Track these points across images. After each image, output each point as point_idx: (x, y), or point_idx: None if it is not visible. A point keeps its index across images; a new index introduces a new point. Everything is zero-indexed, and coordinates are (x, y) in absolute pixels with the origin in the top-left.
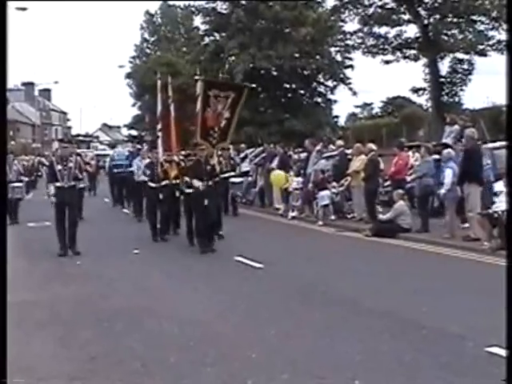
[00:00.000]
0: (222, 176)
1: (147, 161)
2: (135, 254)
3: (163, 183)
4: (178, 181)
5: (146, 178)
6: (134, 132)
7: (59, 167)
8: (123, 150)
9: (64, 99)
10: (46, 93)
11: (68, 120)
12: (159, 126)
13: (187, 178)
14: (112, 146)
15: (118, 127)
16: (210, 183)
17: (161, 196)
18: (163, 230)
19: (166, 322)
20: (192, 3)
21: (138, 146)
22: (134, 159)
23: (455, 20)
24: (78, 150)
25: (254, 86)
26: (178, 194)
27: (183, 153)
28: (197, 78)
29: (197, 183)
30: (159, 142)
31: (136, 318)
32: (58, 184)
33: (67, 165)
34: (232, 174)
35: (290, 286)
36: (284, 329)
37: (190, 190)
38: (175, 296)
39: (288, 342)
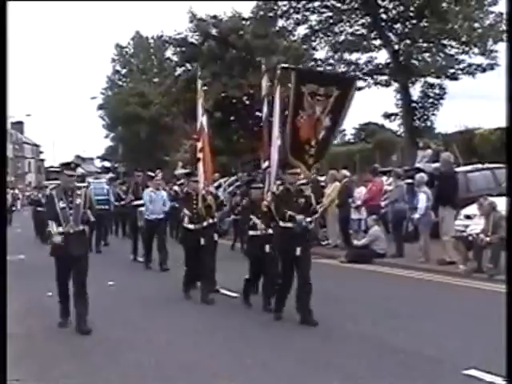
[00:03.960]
0: None
1: (161, 192)
2: (110, 285)
3: (205, 223)
4: (214, 220)
5: (159, 216)
6: (107, 163)
7: (62, 205)
8: (100, 182)
9: (36, 132)
10: (18, 125)
11: (41, 152)
12: (200, 145)
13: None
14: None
15: (92, 159)
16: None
17: (202, 241)
18: (207, 286)
19: (143, 354)
20: (164, 34)
21: (150, 174)
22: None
23: (425, 45)
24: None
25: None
26: (216, 237)
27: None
28: (284, 66)
29: (286, 223)
30: (200, 166)
31: (112, 350)
32: (59, 229)
33: (73, 201)
34: None
35: (267, 314)
36: (262, 357)
37: (256, 232)
38: (151, 327)
39: (266, 370)
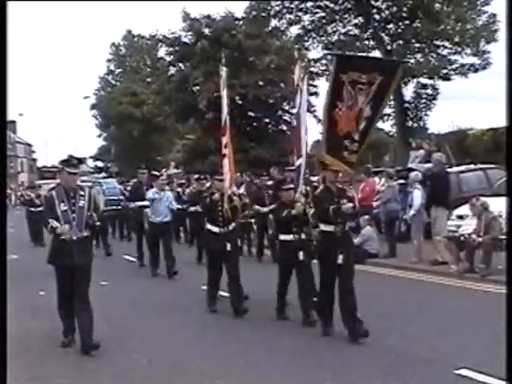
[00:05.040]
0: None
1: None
2: (102, 285)
3: (231, 227)
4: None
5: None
6: (99, 163)
7: (63, 207)
8: (111, 181)
9: (29, 131)
10: (11, 125)
11: (33, 152)
12: (225, 140)
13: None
14: None
15: (84, 159)
16: (347, 227)
17: (228, 247)
18: (238, 297)
19: (135, 353)
20: (157, 33)
21: (155, 173)
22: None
23: (418, 45)
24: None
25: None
26: (239, 242)
27: (272, 181)
28: (326, 52)
29: (326, 227)
30: (225, 163)
31: (105, 350)
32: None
33: (76, 203)
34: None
35: (259, 314)
36: (254, 358)
37: (289, 237)
38: (144, 327)
39: (258, 370)
